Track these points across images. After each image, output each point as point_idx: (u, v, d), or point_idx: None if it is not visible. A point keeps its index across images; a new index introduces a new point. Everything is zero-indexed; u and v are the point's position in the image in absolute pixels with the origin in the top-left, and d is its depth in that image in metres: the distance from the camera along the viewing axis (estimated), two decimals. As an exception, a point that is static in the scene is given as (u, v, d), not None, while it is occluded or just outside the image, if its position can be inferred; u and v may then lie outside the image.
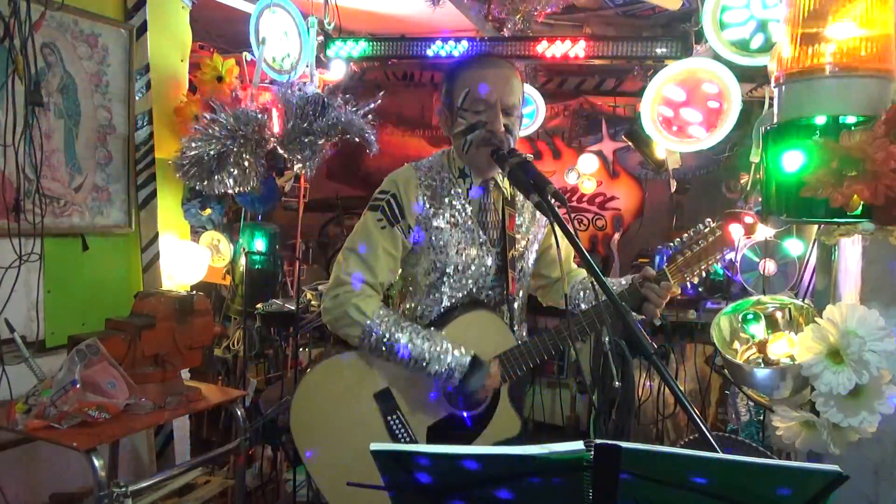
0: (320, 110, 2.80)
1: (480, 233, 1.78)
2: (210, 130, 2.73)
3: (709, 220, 1.79)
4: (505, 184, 1.83)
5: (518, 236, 1.83)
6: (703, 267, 1.77)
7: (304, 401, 1.78)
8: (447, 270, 1.77)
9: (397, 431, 1.75)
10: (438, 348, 1.67)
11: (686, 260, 1.74)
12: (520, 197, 1.86)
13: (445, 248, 1.76)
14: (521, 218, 1.85)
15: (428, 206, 1.75)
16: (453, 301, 1.79)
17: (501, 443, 1.79)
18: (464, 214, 1.77)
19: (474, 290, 1.80)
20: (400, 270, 1.85)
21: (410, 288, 1.85)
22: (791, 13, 1.70)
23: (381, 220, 1.73)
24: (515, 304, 1.84)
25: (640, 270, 1.83)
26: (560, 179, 4.32)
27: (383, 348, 1.68)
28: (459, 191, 1.78)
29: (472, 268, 1.78)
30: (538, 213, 1.89)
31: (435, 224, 1.75)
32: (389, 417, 1.75)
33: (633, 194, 4.35)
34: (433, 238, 1.75)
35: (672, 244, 1.78)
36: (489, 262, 1.79)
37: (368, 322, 1.68)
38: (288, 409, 1.80)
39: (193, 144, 2.73)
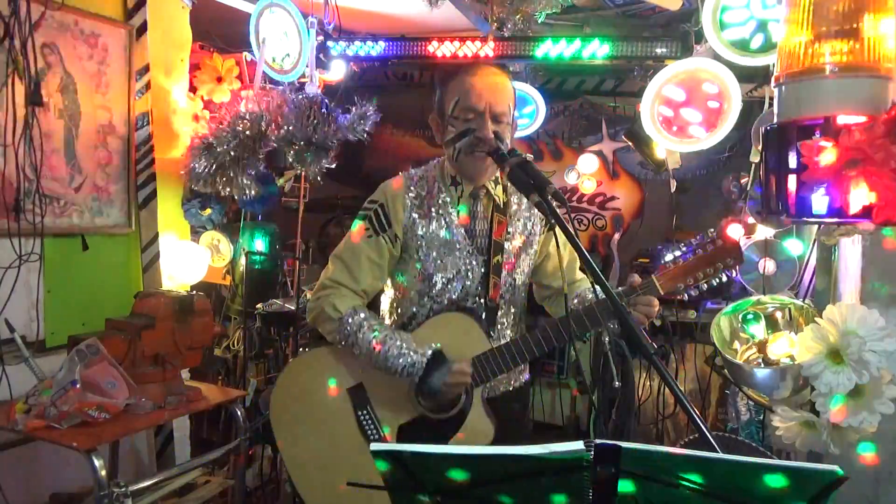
0: (324, 117, 2.80)
1: (468, 240, 1.79)
2: (214, 139, 2.75)
3: (711, 229, 1.71)
4: (497, 191, 1.83)
5: (506, 243, 1.82)
6: (700, 277, 1.69)
7: (281, 393, 1.84)
8: (433, 278, 1.79)
9: (367, 427, 1.76)
10: (401, 345, 1.69)
11: (679, 268, 1.69)
12: (513, 205, 1.86)
13: (432, 256, 1.78)
14: (513, 226, 1.84)
15: (415, 214, 1.77)
16: (439, 308, 1.81)
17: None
18: (453, 223, 1.78)
19: (460, 297, 1.81)
20: (389, 279, 1.88)
21: (399, 294, 1.87)
22: (791, 13, 1.70)
23: (368, 230, 1.78)
24: (498, 311, 1.83)
25: (639, 270, 1.82)
26: (560, 179, 4.32)
27: (352, 342, 1.73)
28: (449, 199, 1.80)
29: (459, 275, 1.79)
30: (532, 223, 1.89)
31: (422, 233, 1.77)
32: (360, 412, 1.77)
33: (633, 194, 4.35)
34: (420, 246, 1.78)
35: (667, 252, 1.72)
36: (475, 269, 1.80)
37: (341, 317, 1.73)
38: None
39: (201, 159, 2.76)
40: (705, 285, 1.71)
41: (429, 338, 1.74)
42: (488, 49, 3.22)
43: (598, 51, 3.07)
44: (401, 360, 1.68)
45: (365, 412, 1.77)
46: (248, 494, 2.89)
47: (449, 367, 1.68)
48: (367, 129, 2.90)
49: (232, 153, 2.77)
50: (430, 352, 1.69)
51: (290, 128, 2.77)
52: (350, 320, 1.73)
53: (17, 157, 2.33)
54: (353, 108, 2.89)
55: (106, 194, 2.79)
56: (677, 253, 1.71)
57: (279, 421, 1.83)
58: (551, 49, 3.14)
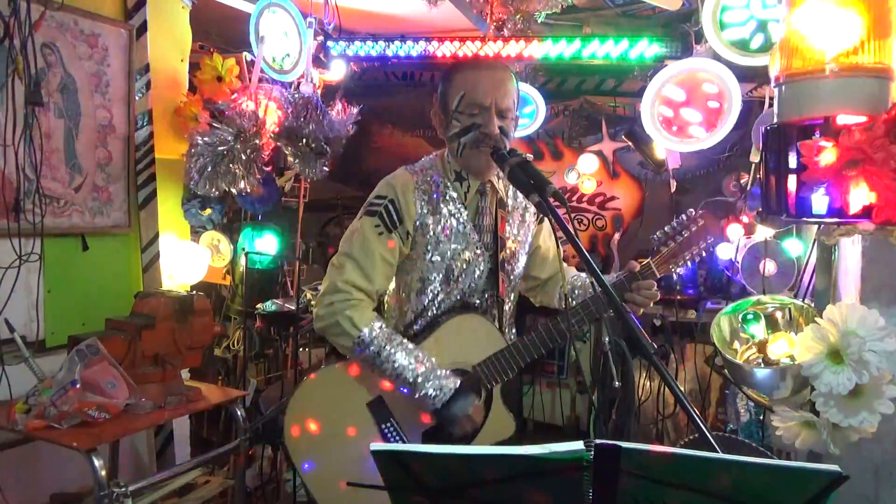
0: (320, 117, 2.81)
1: (475, 237, 1.78)
2: (211, 137, 2.75)
3: (691, 209, 1.81)
4: (499, 186, 1.83)
5: (509, 238, 1.83)
6: (687, 257, 1.79)
7: (297, 412, 1.76)
8: (441, 275, 1.77)
9: (392, 439, 1.74)
10: (426, 370, 1.66)
11: (671, 251, 1.76)
12: (510, 199, 1.86)
13: (440, 253, 1.76)
14: (513, 220, 1.85)
15: (425, 210, 1.74)
16: (446, 305, 1.79)
17: (497, 445, 1.78)
18: (460, 219, 1.77)
19: (467, 293, 1.80)
20: (395, 276, 1.85)
21: (404, 293, 1.84)
22: (791, 13, 1.70)
23: (379, 227, 1.72)
24: (506, 307, 1.84)
25: (635, 255, 1.83)
26: (560, 179, 4.31)
27: (373, 362, 1.68)
28: (455, 195, 1.78)
29: (466, 272, 1.78)
30: (527, 216, 1.89)
31: (431, 229, 1.74)
32: (384, 426, 1.74)
33: (633, 194, 4.34)
34: (429, 243, 1.75)
35: (657, 236, 1.79)
36: (482, 265, 1.79)
37: (360, 335, 1.67)
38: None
39: (199, 156, 2.76)
40: (692, 262, 1.82)
41: (447, 341, 1.74)
42: (488, 49, 3.22)
43: (598, 51, 3.07)
44: (432, 383, 1.66)
45: (388, 424, 1.74)
46: (248, 494, 2.89)
47: (473, 402, 1.68)
48: (350, 130, 2.93)
49: (232, 146, 2.77)
50: (457, 383, 1.68)
51: (287, 124, 2.79)
52: (371, 339, 1.67)
53: (17, 157, 2.33)
54: (334, 109, 2.92)
55: (106, 194, 2.79)
56: (665, 238, 1.81)
57: (297, 446, 1.75)
58: (551, 49, 3.14)
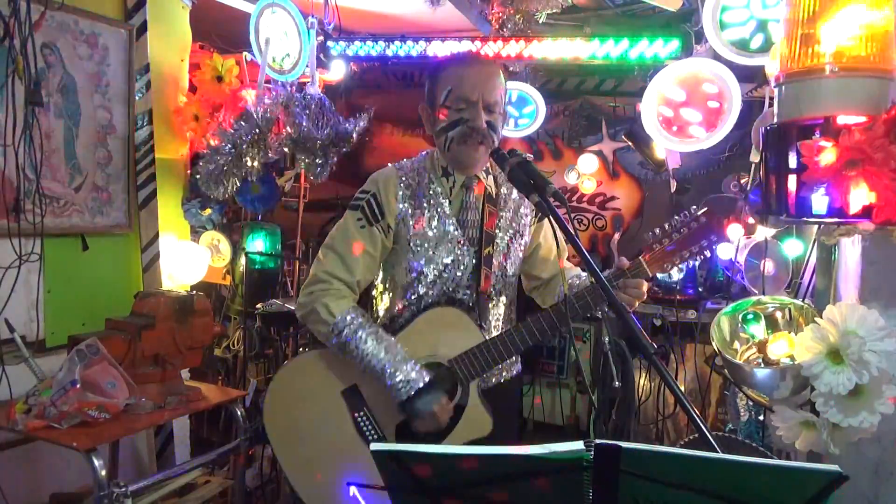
0: (324, 118, 2.82)
1: (459, 232, 1.78)
2: (226, 139, 2.77)
3: (694, 206, 1.75)
4: (488, 182, 1.83)
5: (497, 234, 1.83)
6: (685, 255, 1.71)
7: (274, 400, 1.81)
8: (425, 270, 1.78)
9: (364, 428, 1.76)
10: (394, 361, 1.67)
11: (664, 249, 1.71)
12: (503, 195, 1.86)
13: (424, 247, 1.77)
14: (503, 216, 1.84)
15: (407, 205, 1.76)
16: (431, 298, 1.80)
17: (471, 443, 1.76)
18: (444, 214, 1.77)
19: (451, 288, 1.80)
20: (380, 270, 1.87)
21: (389, 287, 1.86)
22: (791, 13, 1.70)
23: (361, 220, 1.76)
24: (489, 303, 1.83)
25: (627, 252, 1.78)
26: (560, 179, 4.31)
27: (346, 349, 1.71)
28: (440, 190, 1.79)
29: (450, 266, 1.78)
30: (521, 210, 1.89)
31: (414, 224, 1.76)
32: (357, 414, 1.76)
33: (633, 194, 4.34)
34: (412, 237, 1.76)
35: (653, 232, 1.73)
36: (467, 260, 1.79)
37: (335, 322, 1.70)
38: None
39: (214, 158, 2.77)
40: (691, 262, 1.73)
41: (422, 334, 1.74)
42: (488, 49, 3.22)
43: (598, 51, 3.07)
44: (400, 372, 1.66)
45: (362, 413, 1.76)
46: (248, 494, 2.89)
47: (439, 400, 1.68)
48: (358, 132, 2.94)
49: (245, 148, 2.79)
50: (426, 377, 1.68)
51: (303, 127, 2.79)
52: (344, 326, 1.70)
53: (17, 157, 2.33)
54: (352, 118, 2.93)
55: (106, 194, 2.79)
56: (661, 235, 1.72)
57: (274, 428, 1.81)
58: (551, 49, 3.14)
